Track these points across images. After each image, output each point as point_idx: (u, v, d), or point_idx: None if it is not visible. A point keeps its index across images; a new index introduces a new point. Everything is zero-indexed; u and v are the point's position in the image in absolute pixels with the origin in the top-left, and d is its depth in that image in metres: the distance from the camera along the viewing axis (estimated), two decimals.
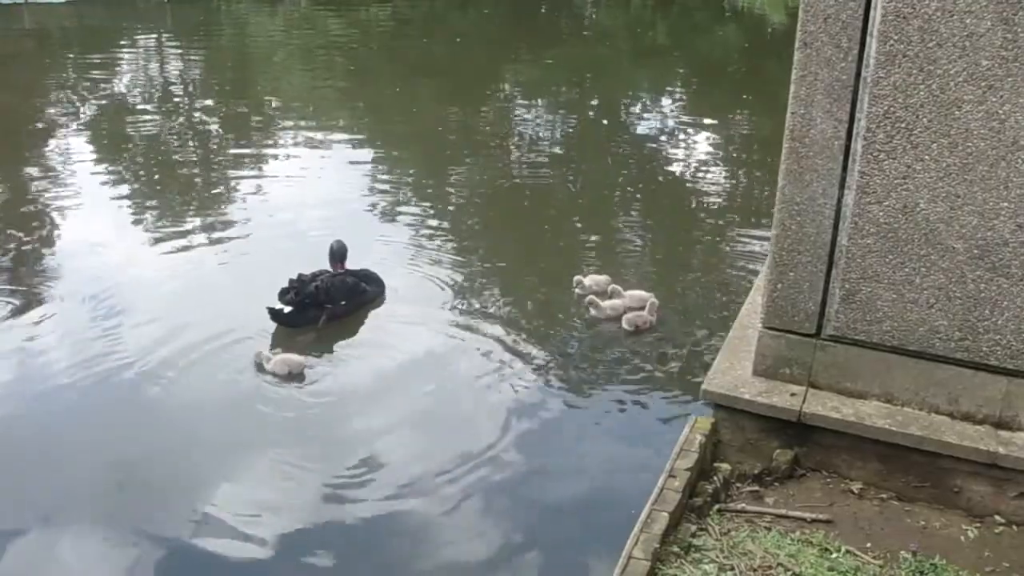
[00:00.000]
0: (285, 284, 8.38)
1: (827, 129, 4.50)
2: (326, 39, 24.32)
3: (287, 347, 7.87)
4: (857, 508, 4.69)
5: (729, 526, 4.57)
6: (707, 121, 16.44)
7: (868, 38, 4.32)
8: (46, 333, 8.16)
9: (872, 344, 4.74)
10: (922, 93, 4.27)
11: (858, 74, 4.39)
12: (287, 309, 8.26)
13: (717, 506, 4.71)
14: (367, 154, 14.09)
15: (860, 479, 4.84)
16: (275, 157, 13.80)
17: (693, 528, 4.49)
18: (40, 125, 15.58)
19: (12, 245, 10.21)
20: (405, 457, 6.57)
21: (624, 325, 8.23)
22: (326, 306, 8.37)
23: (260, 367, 7.58)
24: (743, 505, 4.74)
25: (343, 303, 8.50)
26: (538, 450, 6.71)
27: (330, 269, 8.71)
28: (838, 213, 4.62)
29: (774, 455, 4.93)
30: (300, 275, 8.45)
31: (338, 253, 8.82)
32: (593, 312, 8.41)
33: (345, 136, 15.18)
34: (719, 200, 11.92)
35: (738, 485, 4.93)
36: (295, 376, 7.51)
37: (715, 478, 4.85)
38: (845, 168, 4.53)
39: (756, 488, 4.89)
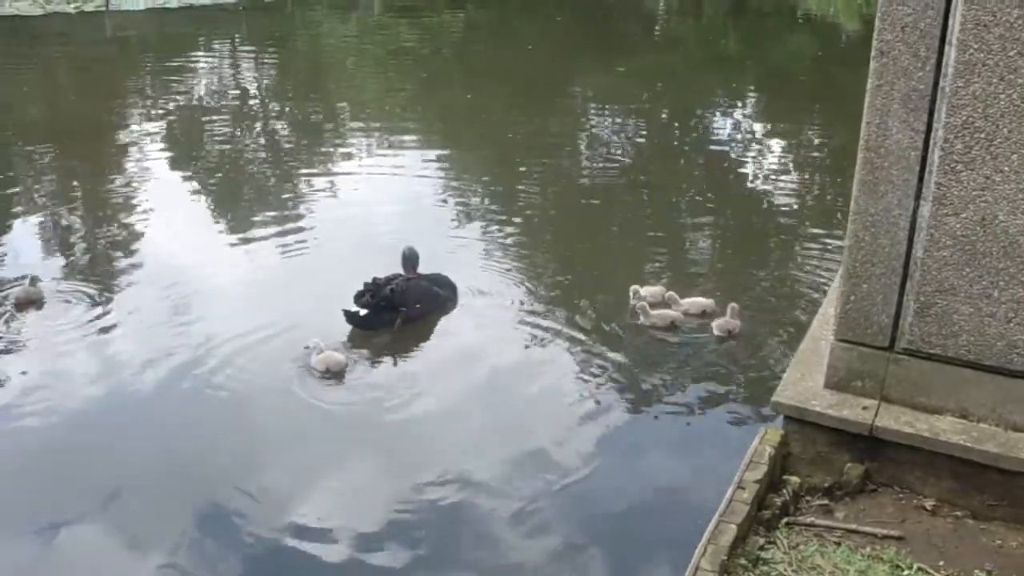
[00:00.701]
0: (359, 287, 8.54)
1: (903, 139, 4.43)
2: (398, 45, 24.51)
3: (358, 347, 8.14)
4: (930, 525, 4.60)
5: (798, 540, 4.52)
6: (779, 130, 16.28)
7: (947, 47, 4.24)
8: (119, 328, 8.42)
9: (947, 358, 4.65)
10: (1003, 103, 4.18)
11: (936, 83, 4.31)
12: (362, 312, 8.38)
13: (786, 519, 4.65)
14: (438, 159, 14.17)
15: (933, 496, 4.74)
16: (347, 161, 13.97)
17: (761, 541, 4.44)
18: (119, 128, 15.93)
19: (90, 242, 10.49)
20: (470, 462, 6.62)
21: (715, 331, 8.26)
22: (401, 309, 8.48)
23: (308, 357, 7.75)
24: (812, 519, 4.68)
25: (417, 306, 8.60)
26: (604, 457, 6.71)
27: (403, 273, 8.81)
28: (913, 225, 4.53)
29: (845, 469, 4.86)
30: (375, 278, 8.58)
31: (411, 259, 8.91)
32: (641, 319, 8.42)
33: (416, 142, 15.29)
34: (790, 210, 11.80)
35: (807, 498, 4.86)
36: (335, 375, 7.66)
37: (784, 491, 4.79)
38: (921, 179, 4.45)
39: (826, 502, 4.82)
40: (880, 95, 4.43)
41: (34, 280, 8.88)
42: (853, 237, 4.69)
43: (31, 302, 8.74)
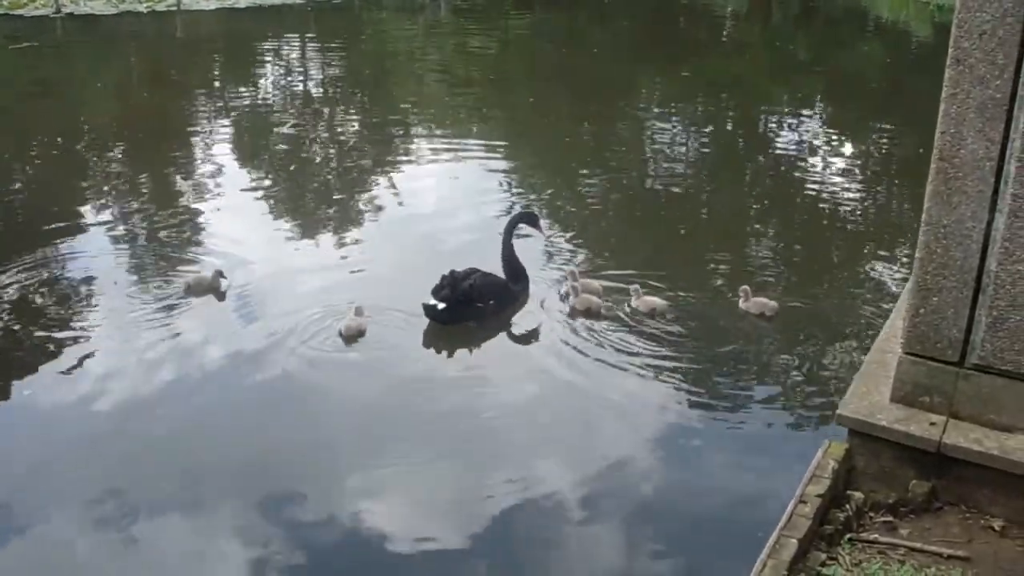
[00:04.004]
0: (426, 282, 8.66)
1: (978, 149, 4.32)
2: (465, 48, 24.59)
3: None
4: (998, 547, 4.48)
5: (860, 557, 4.42)
6: (847, 138, 16.06)
7: None
8: (187, 325, 8.52)
9: (1020, 375, 4.52)
10: None
11: (1014, 93, 4.19)
12: (440, 306, 8.46)
13: (848, 535, 4.55)
14: (501, 162, 14.18)
15: (1002, 516, 4.61)
16: (411, 162, 14.04)
17: (823, 557, 4.35)
18: (187, 125, 16.19)
19: (157, 238, 10.64)
20: (529, 464, 6.64)
21: (749, 310, 8.68)
22: (478, 305, 8.62)
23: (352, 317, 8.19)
24: (876, 536, 4.58)
25: (492, 303, 8.74)
26: (665, 465, 6.70)
27: (479, 269, 8.89)
28: (987, 237, 4.41)
29: (910, 486, 4.75)
30: (452, 271, 8.66)
31: (533, 221, 9.42)
32: (570, 300, 8.78)
33: (479, 144, 15.30)
34: (857, 219, 11.62)
35: (871, 515, 4.76)
36: (347, 338, 8.08)
37: (847, 506, 4.70)
38: (996, 191, 4.33)
39: (890, 519, 4.72)
40: (955, 104, 4.32)
41: (217, 274, 9.11)
42: (924, 249, 4.58)
43: (206, 290, 9.02)
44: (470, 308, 8.59)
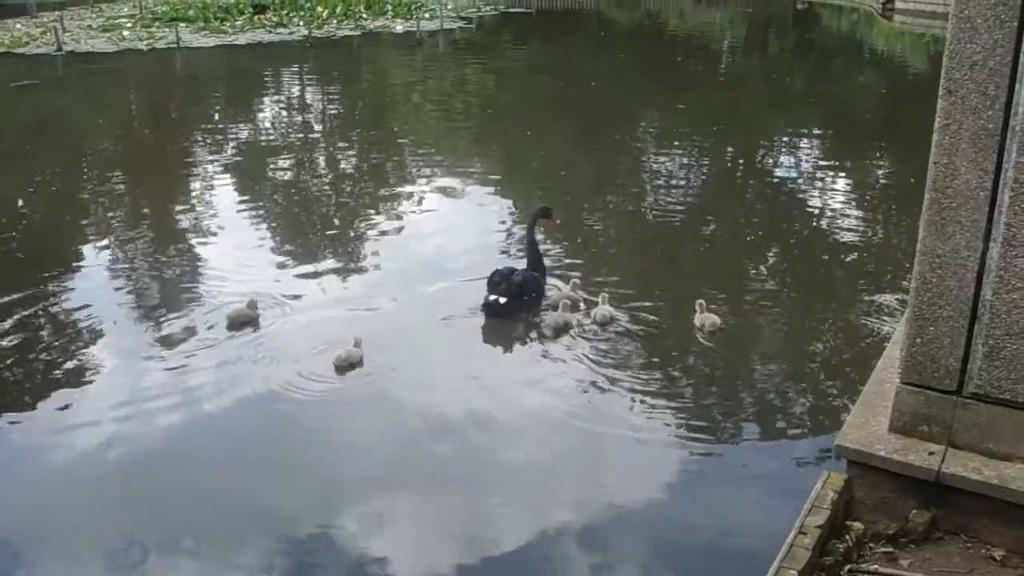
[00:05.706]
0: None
1: (972, 179, 4.34)
2: (462, 82, 24.73)
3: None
4: None
5: None
6: (843, 169, 16.11)
7: (1017, 85, 4.15)
8: (189, 361, 8.46)
9: (1018, 404, 4.52)
10: None
11: (1006, 123, 4.21)
12: (502, 300, 8.95)
13: (849, 566, 4.54)
14: (498, 196, 14.23)
15: (1003, 546, 4.59)
16: (409, 197, 14.06)
17: None
18: (187, 160, 16.30)
19: (158, 275, 10.66)
20: (527, 501, 6.59)
21: (697, 324, 8.82)
22: (524, 298, 9.18)
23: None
24: (876, 567, 4.56)
25: (533, 295, 9.36)
26: (663, 496, 6.64)
27: (515, 268, 9.41)
28: (982, 266, 4.43)
29: (910, 516, 4.74)
30: (496, 270, 9.25)
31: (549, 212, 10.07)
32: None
33: (477, 177, 15.36)
34: (855, 250, 11.62)
35: (871, 545, 4.75)
36: (338, 368, 8.15)
37: (847, 537, 4.68)
38: (990, 220, 4.35)
39: (890, 549, 4.70)
40: (948, 134, 4.35)
41: (253, 303, 9.22)
42: (920, 278, 4.59)
43: (244, 323, 9.09)
44: (520, 301, 9.12)
